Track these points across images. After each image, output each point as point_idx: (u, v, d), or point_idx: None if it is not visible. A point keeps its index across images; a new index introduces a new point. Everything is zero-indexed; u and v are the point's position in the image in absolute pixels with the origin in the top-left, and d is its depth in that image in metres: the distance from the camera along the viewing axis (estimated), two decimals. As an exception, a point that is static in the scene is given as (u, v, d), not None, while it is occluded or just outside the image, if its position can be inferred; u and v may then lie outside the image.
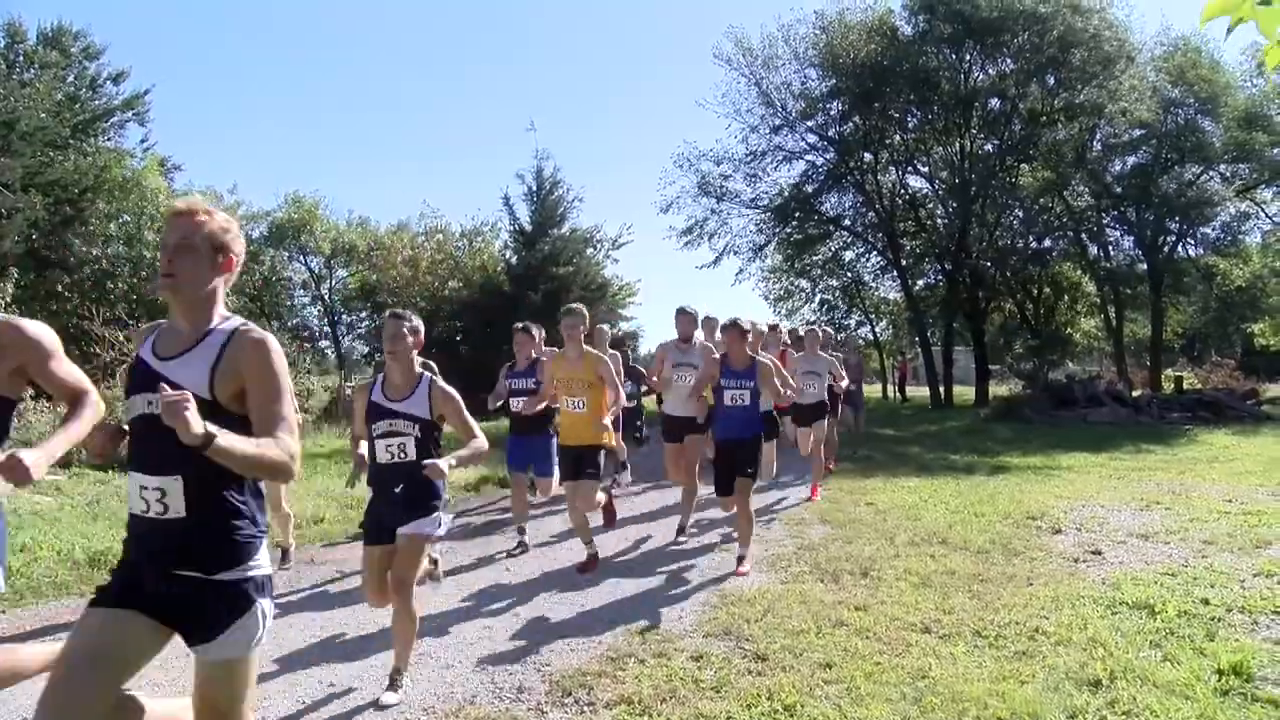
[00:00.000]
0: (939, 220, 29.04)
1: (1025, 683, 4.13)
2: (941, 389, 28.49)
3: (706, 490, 8.49)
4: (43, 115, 18.96)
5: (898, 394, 34.55)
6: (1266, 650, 4.50)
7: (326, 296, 34.19)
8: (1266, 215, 29.37)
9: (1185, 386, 26.11)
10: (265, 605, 2.48)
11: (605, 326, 10.57)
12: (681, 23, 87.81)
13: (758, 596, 5.72)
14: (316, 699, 4.21)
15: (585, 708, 4.03)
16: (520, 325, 7.85)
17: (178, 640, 2.44)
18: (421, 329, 4.45)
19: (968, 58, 26.45)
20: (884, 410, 28.12)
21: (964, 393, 29.52)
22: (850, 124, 27.94)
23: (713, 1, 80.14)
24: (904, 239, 29.44)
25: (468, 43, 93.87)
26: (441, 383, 4.39)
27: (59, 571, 6.64)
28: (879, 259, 30.41)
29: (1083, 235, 28.52)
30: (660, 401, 9.92)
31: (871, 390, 34.12)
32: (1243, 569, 6.22)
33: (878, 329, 33.79)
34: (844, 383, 10.38)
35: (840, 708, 3.91)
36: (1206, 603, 5.36)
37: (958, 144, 27.55)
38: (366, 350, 32.53)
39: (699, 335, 9.05)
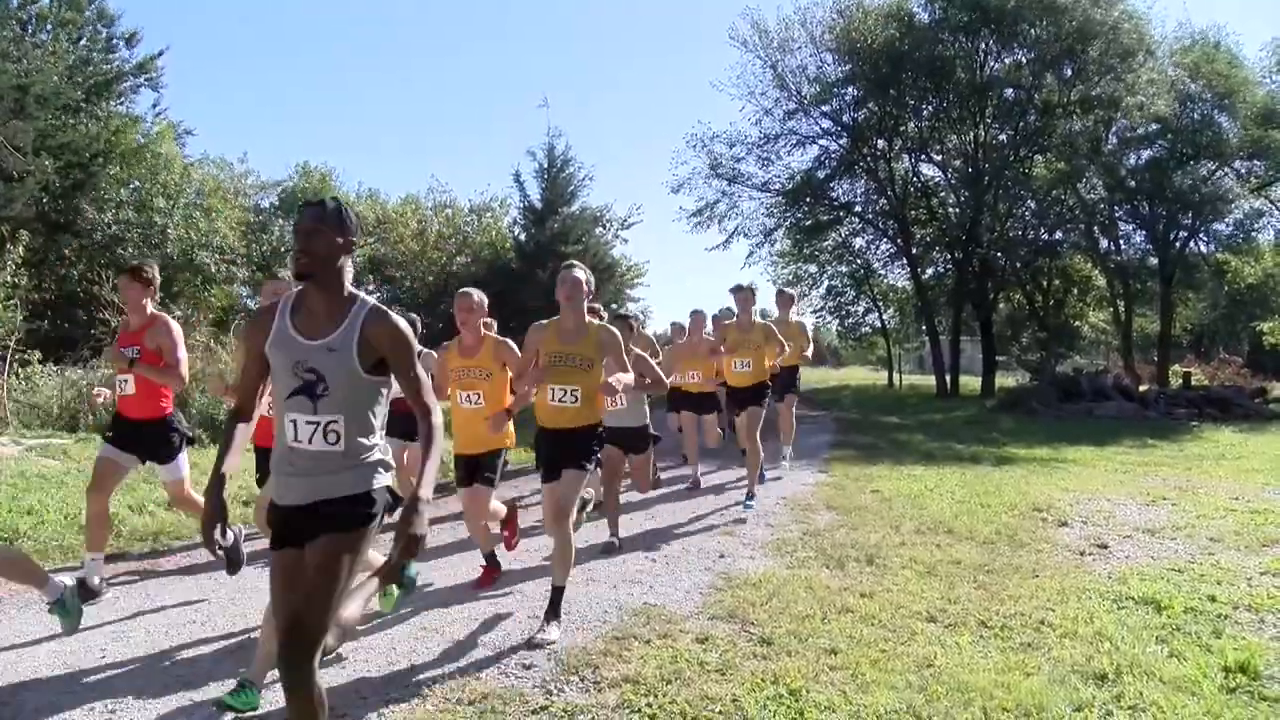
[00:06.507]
0: (950, 209, 28.90)
1: (1031, 674, 4.12)
2: (948, 378, 28.45)
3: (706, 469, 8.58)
4: (56, 79, 18.86)
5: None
6: (1273, 648, 4.48)
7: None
8: (1280, 213, 29.23)
9: (1193, 383, 26.03)
10: None
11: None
12: (698, 3, 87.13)
13: (763, 581, 5.73)
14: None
15: (591, 686, 4.03)
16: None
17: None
18: None
19: (983, 46, 26.25)
20: (889, 399, 28.16)
21: (970, 383, 29.47)
22: (864, 110, 27.77)
23: (729, -18, 79.31)
24: (915, 227, 29.29)
25: (481, 18, 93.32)
26: None
27: (66, 535, 6.67)
28: (889, 246, 30.28)
29: (1094, 228, 28.39)
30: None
31: (878, 377, 34.03)
32: (1249, 567, 6.20)
33: (885, 316, 33.71)
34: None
35: (846, 694, 3.91)
36: (1213, 600, 5.35)
37: (972, 133, 27.37)
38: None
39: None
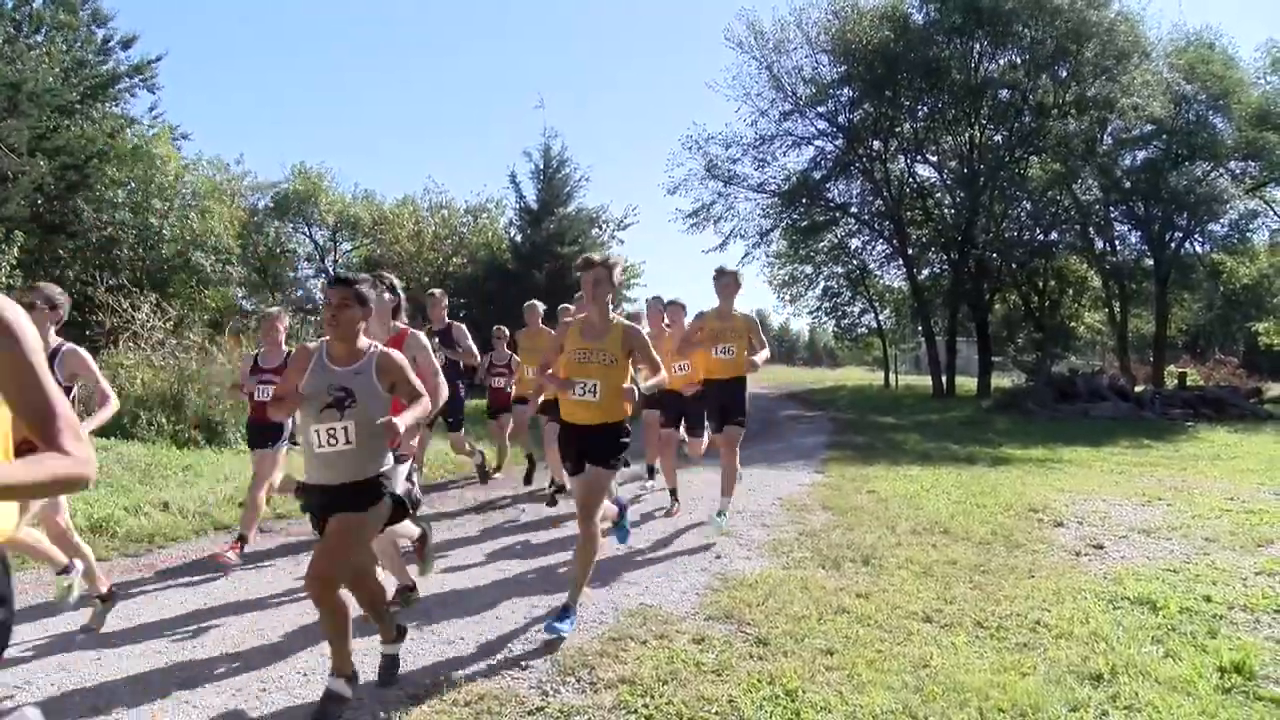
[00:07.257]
0: (946, 210, 28.97)
1: (1026, 674, 4.12)
2: (944, 379, 28.48)
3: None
4: (50, 79, 18.81)
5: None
6: (1269, 649, 4.49)
7: (331, 269, 34.18)
8: (1276, 214, 29.36)
9: (1188, 383, 26.10)
10: None
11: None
12: (694, 4, 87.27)
13: (759, 581, 5.72)
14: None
15: (587, 687, 4.03)
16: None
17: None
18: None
19: (977, 48, 26.32)
20: (885, 399, 28.17)
21: (966, 383, 29.49)
22: (860, 111, 27.87)
23: (725, -17, 79.30)
24: (910, 228, 29.37)
25: (479, 18, 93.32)
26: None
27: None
28: (885, 247, 30.38)
29: (1090, 229, 28.45)
30: None
31: (875, 378, 33.86)
32: (1245, 567, 6.21)
33: (881, 317, 33.78)
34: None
35: (842, 694, 3.91)
36: (1208, 600, 5.35)
37: (967, 134, 27.44)
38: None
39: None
